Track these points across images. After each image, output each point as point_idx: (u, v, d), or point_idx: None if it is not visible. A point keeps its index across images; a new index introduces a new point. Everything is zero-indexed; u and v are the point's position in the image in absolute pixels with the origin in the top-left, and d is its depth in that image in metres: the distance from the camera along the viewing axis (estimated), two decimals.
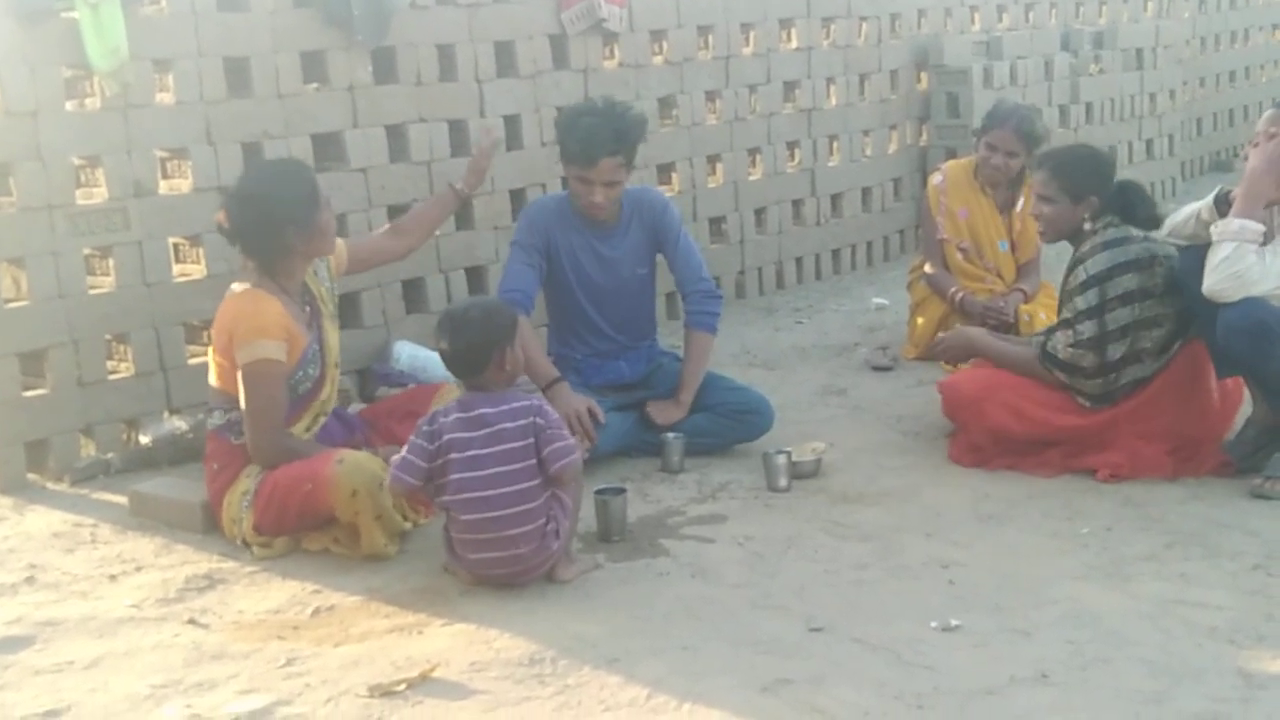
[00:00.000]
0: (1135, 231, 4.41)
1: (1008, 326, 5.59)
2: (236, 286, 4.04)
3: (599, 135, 4.54)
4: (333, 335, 4.21)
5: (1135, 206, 4.43)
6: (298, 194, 3.98)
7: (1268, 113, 4.35)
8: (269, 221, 3.94)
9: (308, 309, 4.12)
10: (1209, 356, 4.33)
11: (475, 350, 3.63)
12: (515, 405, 3.60)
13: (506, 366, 3.65)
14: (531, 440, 3.56)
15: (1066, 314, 4.42)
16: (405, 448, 3.61)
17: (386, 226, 4.83)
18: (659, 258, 4.96)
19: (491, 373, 3.64)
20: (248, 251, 4.02)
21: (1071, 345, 4.36)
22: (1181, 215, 4.38)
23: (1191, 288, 4.25)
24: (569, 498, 3.68)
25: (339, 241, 4.36)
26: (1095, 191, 4.43)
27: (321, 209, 4.04)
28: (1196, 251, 4.22)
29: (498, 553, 3.54)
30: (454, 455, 3.54)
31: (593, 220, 4.77)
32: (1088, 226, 4.44)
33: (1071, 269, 4.46)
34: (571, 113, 4.75)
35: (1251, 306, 4.02)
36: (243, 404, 3.91)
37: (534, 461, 3.57)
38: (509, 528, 3.51)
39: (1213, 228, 4.08)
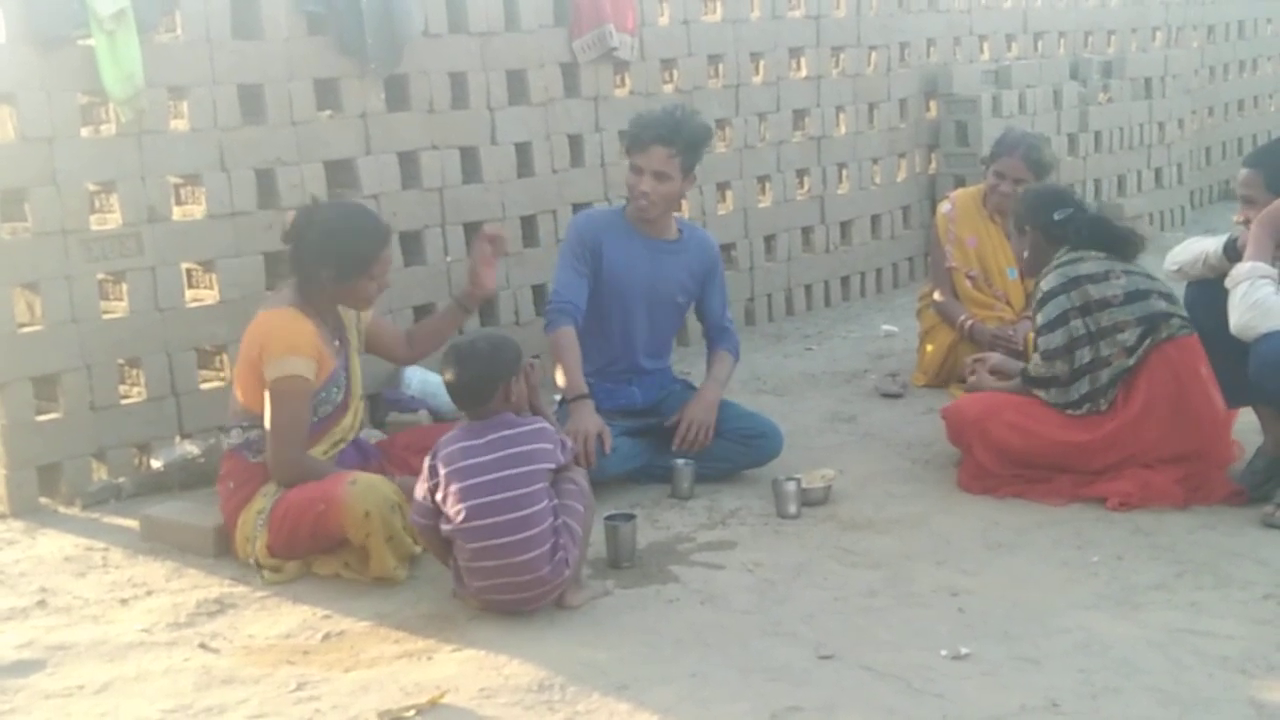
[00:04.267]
0: (1093, 253, 4.50)
1: (1017, 354, 5.60)
2: (272, 300, 4.07)
3: (654, 122, 4.74)
4: (357, 368, 4.25)
5: (1073, 235, 4.52)
6: (360, 250, 4.02)
7: (1242, 173, 4.40)
8: (323, 255, 3.99)
9: (337, 341, 4.15)
10: (1192, 362, 4.33)
11: (481, 383, 3.67)
12: (521, 430, 3.63)
13: (511, 398, 3.69)
14: (538, 466, 3.58)
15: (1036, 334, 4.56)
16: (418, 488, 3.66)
17: (402, 330, 4.73)
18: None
19: (496, 405, 3.68)
20: (292, 262, 4.09)
21: (1041, 361, 4.47)
22: (1189, 254, 4.43)
23: (1200, 320, 4.30)
24: (578, 524, 3.69)
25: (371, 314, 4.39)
26: (1029, 222, 4.69)
27: (366, 279, 4.06)
28: (1206, 285, 4.23)
29: (507, 578, 3.53)
30: (455, 485, 3.55)
31: (645, 222, 4.81)
32: (1026, 254, 4.73)
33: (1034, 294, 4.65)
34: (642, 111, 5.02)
35: None
36: (267, 420, 3.93)
37: (541, 486, 3.58)
38: (516, 554, 3.51)
39: (1226, 281, 4.10)
